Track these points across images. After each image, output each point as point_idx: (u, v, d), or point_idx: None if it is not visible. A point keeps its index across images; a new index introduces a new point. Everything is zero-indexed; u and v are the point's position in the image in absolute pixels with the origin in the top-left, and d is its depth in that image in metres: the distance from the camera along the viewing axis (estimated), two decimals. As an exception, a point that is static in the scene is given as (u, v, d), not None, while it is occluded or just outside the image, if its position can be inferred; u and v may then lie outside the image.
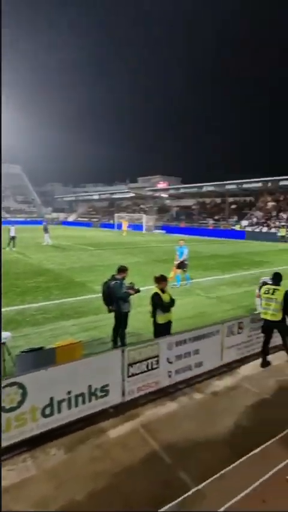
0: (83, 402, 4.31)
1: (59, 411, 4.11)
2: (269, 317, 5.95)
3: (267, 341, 6.10)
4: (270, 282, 7.37)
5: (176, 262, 12.40)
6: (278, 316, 5.89)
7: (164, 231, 44.59)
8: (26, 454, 3.80)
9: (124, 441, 4.04)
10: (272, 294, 5.96)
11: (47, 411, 4.02)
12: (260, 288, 7.64)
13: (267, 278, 7.97)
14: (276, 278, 6.18)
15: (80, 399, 4.28)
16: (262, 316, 6.08)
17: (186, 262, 12.47)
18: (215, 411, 4.67)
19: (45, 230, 26.25)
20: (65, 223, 63.86)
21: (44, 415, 4.00)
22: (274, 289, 6.00)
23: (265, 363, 6.07)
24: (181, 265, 12.33)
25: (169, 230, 44.04)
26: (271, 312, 5.93)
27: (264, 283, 7.89)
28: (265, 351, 6.13)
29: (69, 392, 4.18)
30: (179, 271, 12.32)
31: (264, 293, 6.09)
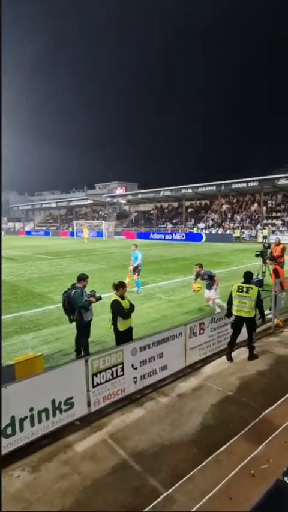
0: (47, 417, 4.16)
1: (22, 429, 3.92)
2: (243, 314, 6.22)
3: (236, 336, 6.37)
4: (203, 272, 8.62)
5: (131, 268, 12.29)
6: (252, 314, 6.21)
7: (123, 237, 44.66)
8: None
9: (92, 453, 3.95)
10: (246, 292, 6.21)
11: (9, 431, 3.82)
12: (196, 278, 9.00)
13: (203, 270, 9.01)
14: (248, 277, 6.46)
15: (44, 414, 4.12)
16: (236, 314, 6.29)
17: (139, 267, 12.28)
18: (181, 412, 4.72)
19: None
20: (28, 232, 61.75)
21: (5, 436, 3.80)
22: (248, 287, 6.25)
23: (230, 357, 6.32)
24: (135, 271, 12.19)
25: (131, 235, 44.16)
26: (247, 309, 6.20)
27: (198, 275, 8.95)
28: (232, 344, 6.39)
29: (31, 409, 4.01)
30: (135, 276, 12.15)
31: (238, 291, 6.29)
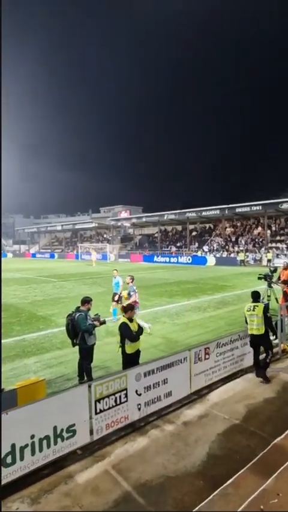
0: (48, 446, 4.03)
1: (22, 458, 3.80)
2: (254, 332, 6.47)
3: (256, 355, 6.59)
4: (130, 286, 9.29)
5: (117, 296, 11.22)
6: (262, 330, 6.42)
7: (128, 260, 44.75)
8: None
9: (94, 485, 3.80)
10: (253, 310, 6.51)
11: (8, 460, 3.70)
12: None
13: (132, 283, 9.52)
14: (256, 296, 6.78)
15: (45, 442, 4.00)
16: (249, 332, 6.60)
17: (121, 295, 10.95)
18: (187, 442, 4.56)
19: None
20: (33, 255, 62.24)
21: (5, 465, 3.68)
22: (254, 306, 6.57)
23: (259, 374, 6.45)
24: (117, 298, 11.17)
25: (137, 258, 44.25)
26: (255, 327, 6.45)
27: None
28: (257, 364, 6.56)
29: (32, 436, 3.90)
30: (114, 304, 11.29)
31: (247, 311, 6.62)
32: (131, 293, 9.87)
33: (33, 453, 3.89)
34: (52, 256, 57.88)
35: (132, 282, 10.19)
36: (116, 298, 11.34)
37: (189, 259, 38.49)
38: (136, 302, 9.53)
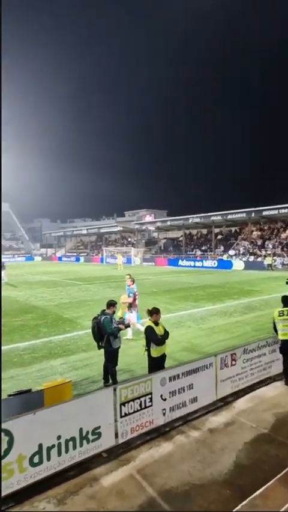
0: (74, 447, 4.07)
1: (49, 458, 3.86)
2: (287, 337, 6.34)
3: (286, 361, 6.43)
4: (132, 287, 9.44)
5: (127, 302, 10.03)
6: None
7: (152, 264, 44.77)
8: (13, 510, 3.51)
9: (119, 489, 3.79)
10: (286, 315, 6.41)
11: (36, 459, 3.77)
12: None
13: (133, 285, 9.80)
14: (286, 300, 6.65)
15: (71, 444, 4.05)
16: (282, 338, 6.41)
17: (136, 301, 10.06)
18: (212, 449, 4.47)
19: (2, 267, 24.74)
20: (59, 258, 63.67)
21: (32, 464, 3.75)
22: (287, 310, 6.49)
23: None
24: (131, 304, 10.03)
25: (162, 262, 44.20)
26: None
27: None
28: (286, 370, 6.41)
29: (59, 437, 3.95)
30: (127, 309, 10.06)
31: (279, 315, 6.50)
32: (130, 295, 9.89)
33: (59, 454, 3.94)
34: (77, 259, 58.85)
35: (132, 284, 10.13)
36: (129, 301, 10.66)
37: (214, 263, 37.97)
38: (135, 304, 9.61)
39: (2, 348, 8.87)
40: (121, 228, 56.78)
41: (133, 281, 10.33)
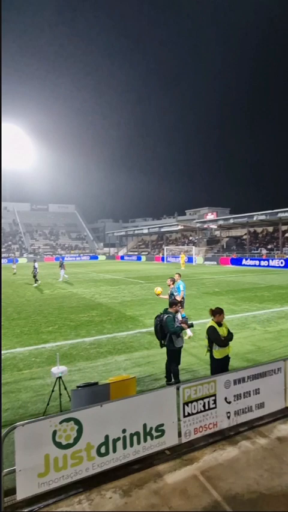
0: (138, 442, 4.15)
1: (114, 450, 4.00)
2: None
3: None
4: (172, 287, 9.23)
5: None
6: None
7: (214, 263, 43.81)
8: (82, 496, 3.71)
9: (182, 488, 3.78)
10: None
11: (103, 449, 3.93)
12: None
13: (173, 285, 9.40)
14: None
15: (135, 438, 4.14)
16: None
17: (182, 300, 9.55)
18: (282, 459, 4.23)
19: (61, 266, 26.10)
20: (121, 257, 65.76)
21: (100, 454, 3.92)
22: None
23: None
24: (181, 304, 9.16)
25: (224, 261, 43.13)
26: None
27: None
28: None
29: (124, 431, 4.07)
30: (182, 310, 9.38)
31: None
32: (174, 294, 9.43)
33: (124, 447, 4.05)
34: (139, 258, 59.98)
35: (173, 284, 9.70)
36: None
37: (281, 263, 35.86)
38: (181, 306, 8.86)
39: (71, 341, 9.42)
40: (182, 227, 56.50)
41: (173, 281, 9.79)
